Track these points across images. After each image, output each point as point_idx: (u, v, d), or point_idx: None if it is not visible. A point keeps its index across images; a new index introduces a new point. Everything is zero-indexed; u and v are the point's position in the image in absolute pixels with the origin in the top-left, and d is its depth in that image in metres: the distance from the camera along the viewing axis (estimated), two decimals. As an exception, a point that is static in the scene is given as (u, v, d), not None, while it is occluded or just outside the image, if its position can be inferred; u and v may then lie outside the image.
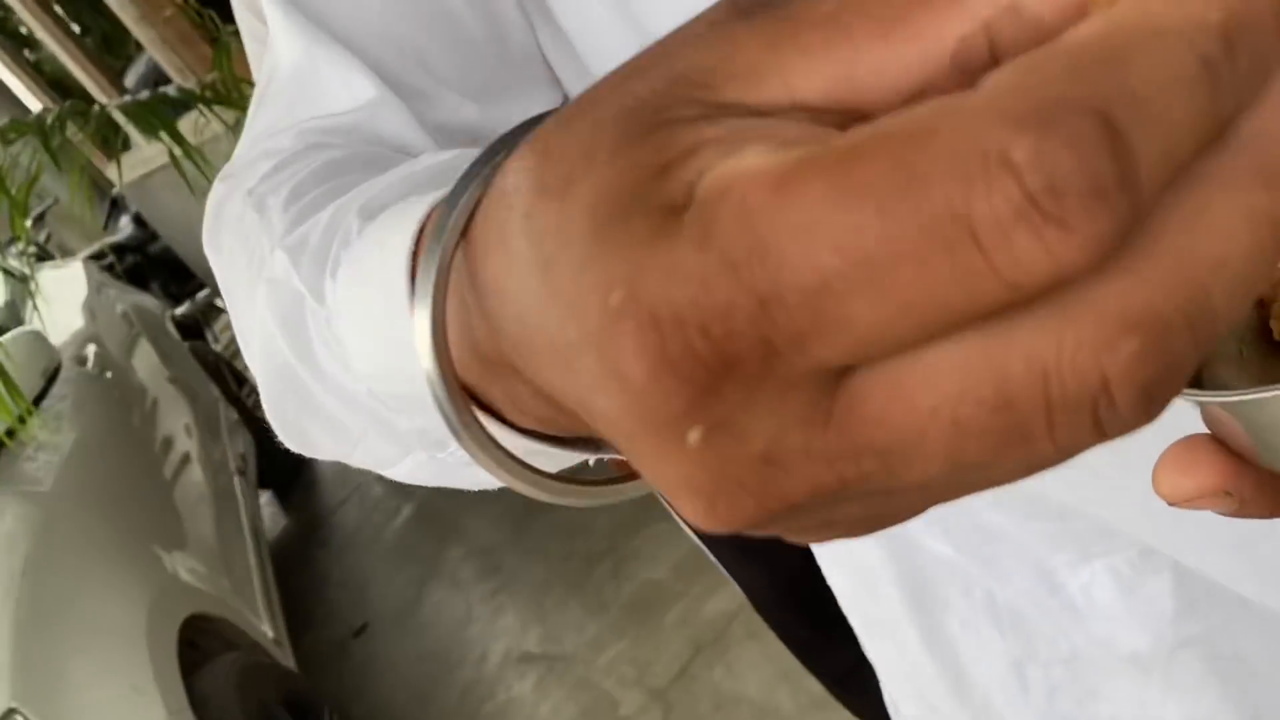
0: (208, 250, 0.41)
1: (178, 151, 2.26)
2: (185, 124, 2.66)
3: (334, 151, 0.39)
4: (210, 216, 0.41)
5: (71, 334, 2.68)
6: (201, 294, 5.32)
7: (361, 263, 0.30)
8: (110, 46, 3.12)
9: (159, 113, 2.17)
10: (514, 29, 0.45)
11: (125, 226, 5.20)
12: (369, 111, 0.41)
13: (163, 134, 2.32)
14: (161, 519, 2.24)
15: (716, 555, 1.23)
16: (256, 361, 0.36)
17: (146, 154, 2.52)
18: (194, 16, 2.29)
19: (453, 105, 0.43)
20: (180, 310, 4.17)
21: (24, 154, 2.25)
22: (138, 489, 2.31)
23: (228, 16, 2.28)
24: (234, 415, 3.40)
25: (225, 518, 2.52)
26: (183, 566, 2.03)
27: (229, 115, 2.34)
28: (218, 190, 0.41)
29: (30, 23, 2.89)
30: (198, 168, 2.23)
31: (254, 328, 0.36)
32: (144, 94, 2.42)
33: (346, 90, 0.41)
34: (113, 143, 2.53)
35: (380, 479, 3.51)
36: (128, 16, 2.44)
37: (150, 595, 1.83)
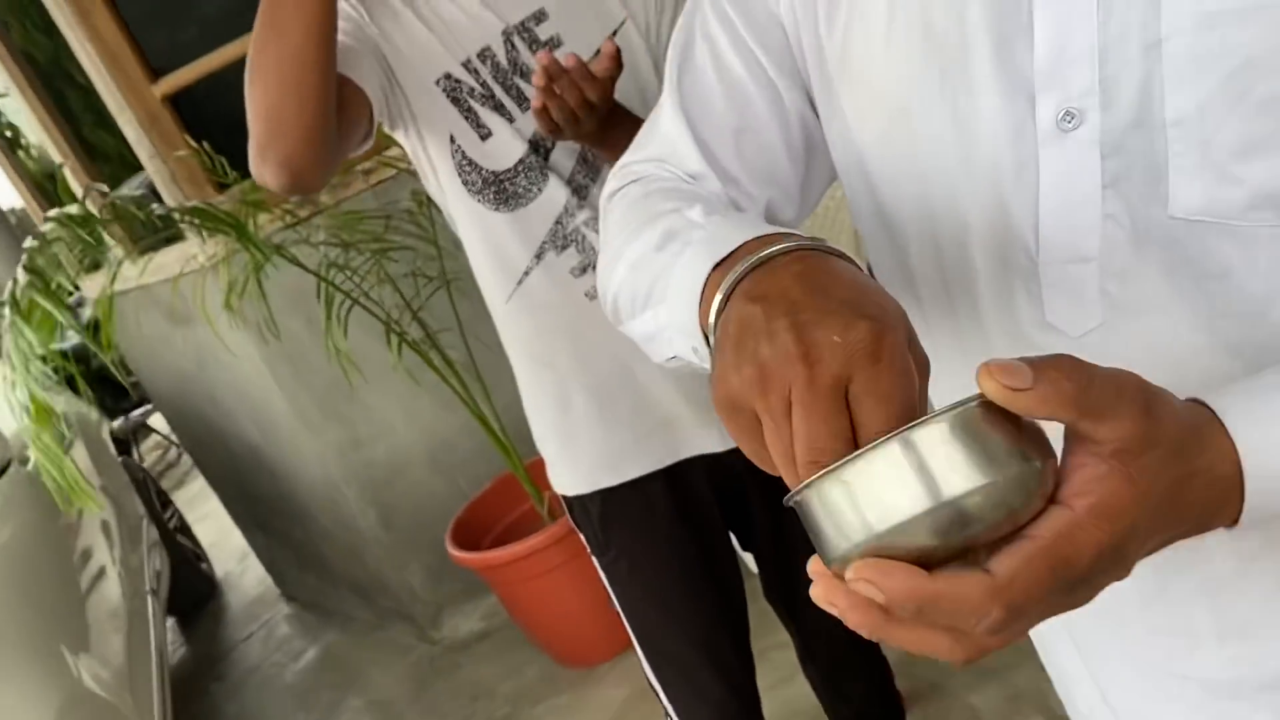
0: (602, 204, 0.77)
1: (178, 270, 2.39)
2: (171, 253, 2.81)
3: (668, 180, 0.72)
4: (606, 194, 0.76)
5: (14, 431, 2.73)
6: (136, 412, 5.35)
7: (696, 261, 0.58)
8: (107, 160, 3.29)
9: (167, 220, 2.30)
10: (798, 133, 0.72)
11: (72, 335, 5.27)
12: (699, 178, 0.72)
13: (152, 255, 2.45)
14: (74, 626, 2.26)
15: None
16: (622, 261, 0.67)
17: (126, 271, 2.65)
18: (206, 160, 2.48)
19: (744, 188, 0.72)
20: (117, 424, 4.20)
21: None
22: (55, 593, 2.33)
23: (236, 164, 2.47)
24: (154, 534, 3.42)
25: (135, 634, 2.53)
26: (91, 676, 2.06)
27: (221, 248, 2.49)
28: (612, 180, 0.77)
29: (32, 121, 3.05)
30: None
31: (629, 245, 0.67)
32: (139, 194, 2.54)
33: (686, 160, 0.72)
34: (96, 253, 2.64)
35: (289, 619, 3.51)
36: (141, 149, 2.62)
37: (59, 700, 1.85)
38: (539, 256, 1.29)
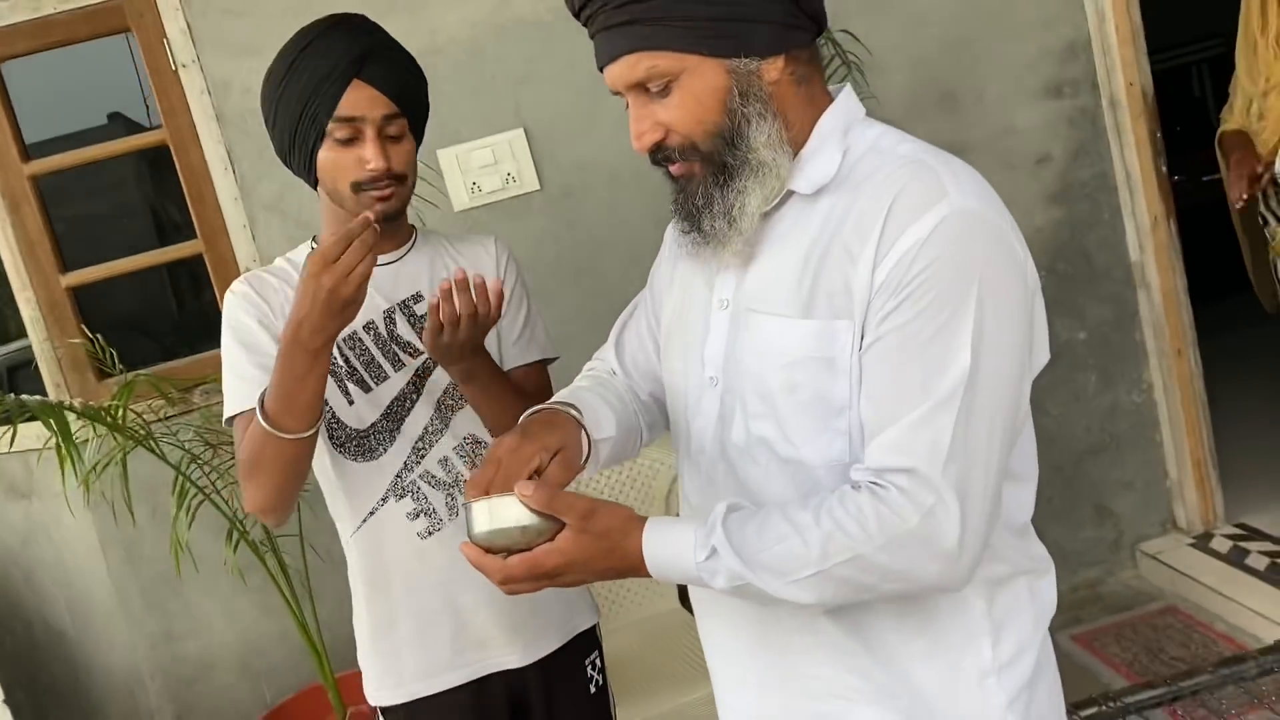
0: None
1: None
2: (31, 429, 2.94)
3: (601, 371, 1.39)
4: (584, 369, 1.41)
5: None
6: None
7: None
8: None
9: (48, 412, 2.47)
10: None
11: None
12: (617, 373, 1.38)
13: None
14: None
15: None
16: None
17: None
18: (96, 350, 2.70)
19: (636, 381, 1.37)
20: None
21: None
22: None
23: (122, 358, 2.70)
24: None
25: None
26: None
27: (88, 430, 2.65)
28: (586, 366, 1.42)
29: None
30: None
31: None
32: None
33: (611, 363, 1.38)
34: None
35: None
36: (35, 331, 2.82)
37: None
38: (383, 501, 1.52)
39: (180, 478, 2.58)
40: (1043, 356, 1.08)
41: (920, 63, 2.99)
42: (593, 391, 1.30)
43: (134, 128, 3.52)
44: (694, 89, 1.05)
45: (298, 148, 1.44)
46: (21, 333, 3.45)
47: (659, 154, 1.10)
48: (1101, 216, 3.12)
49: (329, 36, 1.42)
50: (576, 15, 1.10)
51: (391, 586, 1.54)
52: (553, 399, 1.26)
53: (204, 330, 3.26)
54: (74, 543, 3.03)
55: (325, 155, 1.43)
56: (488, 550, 1.04)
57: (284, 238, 2.87)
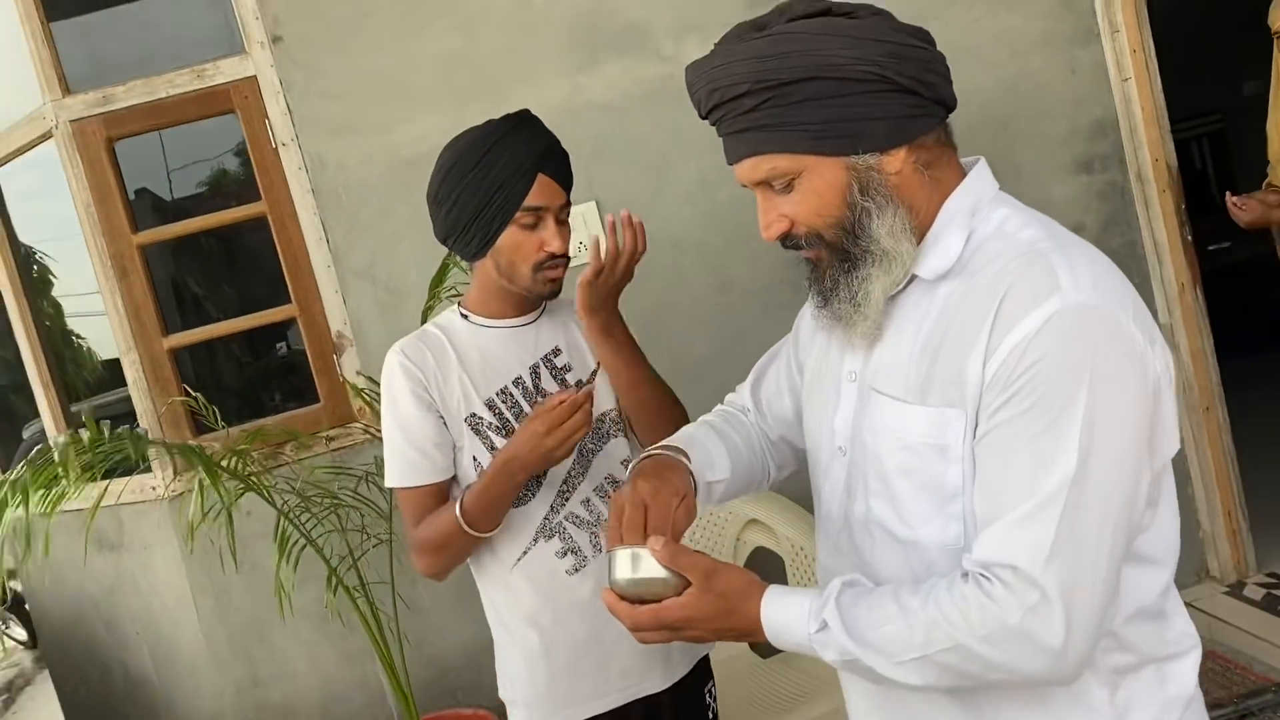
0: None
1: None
2: (124, 483, 3.11)
3: (733, 408, 1.50)
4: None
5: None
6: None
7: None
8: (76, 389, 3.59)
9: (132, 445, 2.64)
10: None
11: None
12: (750, 411, 1.47)
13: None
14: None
15: None
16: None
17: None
18: (198, 405, 2.88)
19: (769, 423, 1.47)
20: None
21: None
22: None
23: (224, 414, 2.87)
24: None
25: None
26: None
27: (181, 484, 2.82)
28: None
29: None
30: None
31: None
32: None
33: (745, 400, 1.48)
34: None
35: None
36: (138, 390, 3.00)
37: None
38: (534, 541, 1.68)
39: (281, 524, 2.75)
40: (1171, 445, 1.06)
41: (963, 139, 3.19)
42: (713, 431, 1.39)
43: (159, 203, 3.79)
44: (814, 186, 1.09)
45: (479, 227, 1.62)
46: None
47: (788, 241, 1.15)
48: (1132, 282, 3.32)
49: (519, 133, 1.62)
50: (704, 118, 1.16)
51: (543, 621, 1.69)
52: (665, 442, 1.36)
53: (285, 389, 3.44)
54: (163, 591, 3.18)
55: (509, 238, 1.63)
56: (622, 597, 1.11)
57: (374, 302, 3.08)
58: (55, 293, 3.65)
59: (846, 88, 1.06)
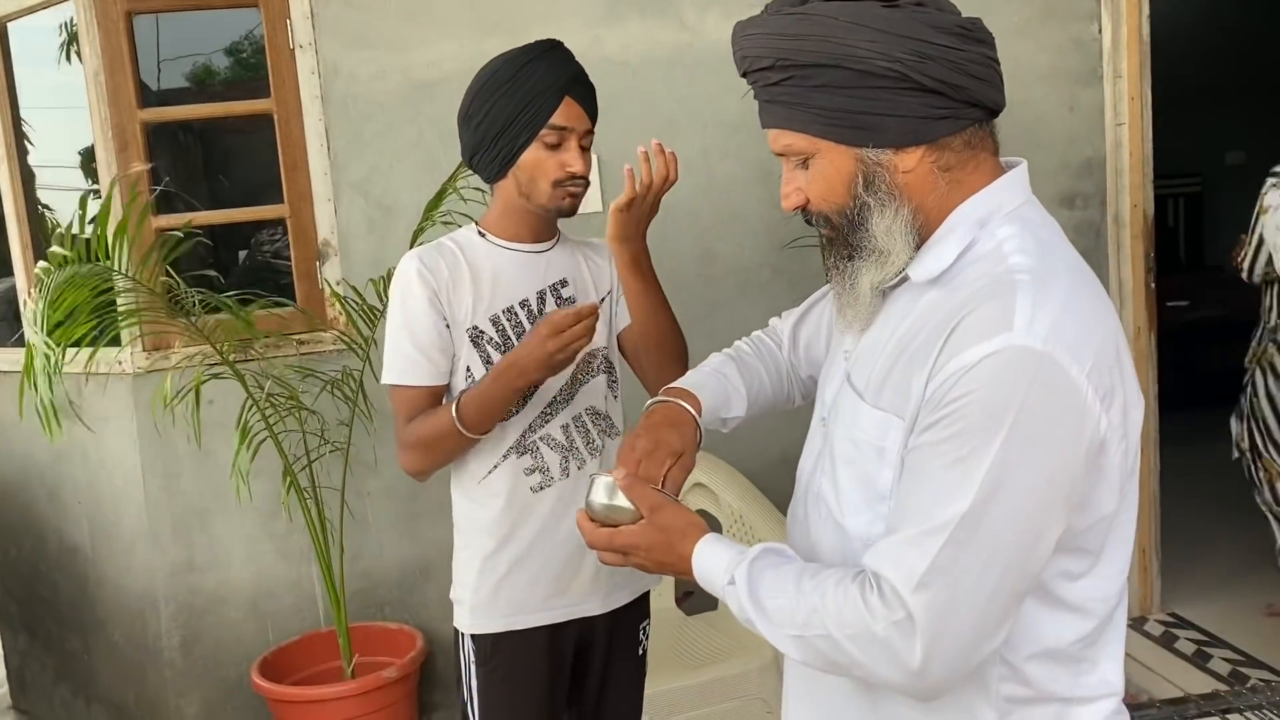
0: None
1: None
2: (108, 353, 3.12)
3: (768, 339, 1.53)
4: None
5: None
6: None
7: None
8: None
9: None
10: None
11: None
12: (784, 346, 1.50)
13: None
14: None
15: None
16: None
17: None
18: (180, 290, 2.91)
19: (799, 359, 1.50)
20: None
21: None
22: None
23: (209, 305, 2.91)
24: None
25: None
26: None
27: (161, 360, 2.84)
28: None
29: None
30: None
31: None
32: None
33: (783, 334, 1.50)
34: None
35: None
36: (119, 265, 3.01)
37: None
38: (505, 456, 1.76)
39: (245, 414, 2.80)
40: (1108, 502, 1.04)
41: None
42: (736, 365, 1.45)
43: (145, 92, 3.79)
44: (824, 171, 1.10)
45: (503, 143, 1.70)
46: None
47: (805, 216, 1.16)
48: (1091, 319, 3.47)
49: (549, 57, 1.70)
50: (744, 76, 1.17)
51: (501, 532, 1.78)
52: (678, 384, 1.39)
53: (261, 286, 3.46)
54: (112, 466, 3.22)
55: (532, 155, 1.70)
56: (591, 519, 1.21)
57: (364, 216, 3.13)
58: (31, 162, 3.65)
59: (865, 80, 1.05)
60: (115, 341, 2.99)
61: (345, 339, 3.01)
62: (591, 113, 1.74)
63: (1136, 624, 3.49)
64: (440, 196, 2.84)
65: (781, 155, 1.14)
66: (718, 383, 1.41)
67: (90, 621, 3.41)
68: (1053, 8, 3.36)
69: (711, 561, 1.13)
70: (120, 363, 3.08)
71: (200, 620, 3.20)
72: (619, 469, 1.21)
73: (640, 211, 1.68)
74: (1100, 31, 3.38)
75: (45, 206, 3.80)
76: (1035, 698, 1.10)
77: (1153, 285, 3.43)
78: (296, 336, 3.10)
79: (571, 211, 1.76)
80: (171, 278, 2.93)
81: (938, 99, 1.06)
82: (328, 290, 3.09)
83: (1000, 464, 0.96)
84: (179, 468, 3.11)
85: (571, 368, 1.78)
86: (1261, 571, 3.72)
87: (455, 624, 1.85)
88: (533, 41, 1.74)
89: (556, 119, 1.68)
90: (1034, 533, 0.99)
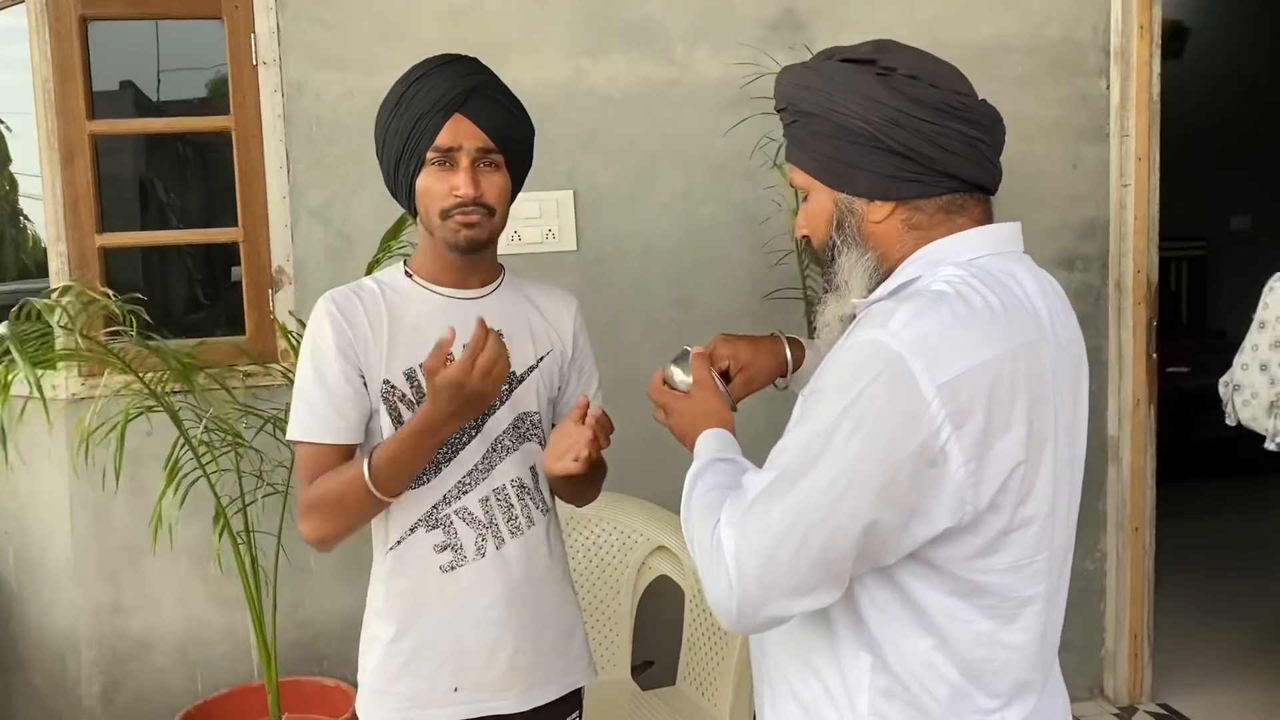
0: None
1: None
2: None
3: None
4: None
5: None
6: None
7: None
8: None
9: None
10: None
11: None
12: None
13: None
14: None
15: None
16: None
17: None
18: (116, 311, 2.72)
19: None
20: None
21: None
22: None
23: (158, 331, 2.73)
24: None
25: None
26: None
27: (89, 389, 2.65)
28: None
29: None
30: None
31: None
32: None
33: None
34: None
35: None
36: (58, 282, 2.84)
37: None
38: (411, 530, 1.56)
39: (176, 452, 2.61)
40: (939, 521, 1.07)
41: (952, 210, 3.16)
42: None
43: (142, 100, 3.59)
44: (814, 206, 1.25)
45: (401, 174, 1.52)
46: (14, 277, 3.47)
47: (805, 246, 1.33)
48: (1089, 389, 3.28)
49: (439, 73, 1.51)
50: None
51: (406, 612, 1.58)
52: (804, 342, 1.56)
53: (215, 317, 3.29)
54: (41, 497, 3.02)
55: (422, 182, 1.51)
56: (665, 382, 1.41)
57: (322, 244, 2.95)
58: (14, 170, 3.48)
59: (845, 134, 1.17)
60: (50, 364, 2.80)
61: (290, 375, 2.82)
62: (493, 129, 1.51)
63: (1124, 714, 3.28)
64: (399, 227, 2.66)
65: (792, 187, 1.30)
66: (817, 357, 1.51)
67: (11, 661, 3.19)
68: (1059, 60, 3.20)
69: (704, 448, 1.28)
70: (55, 387, 2.89)
71: (124, 667, 2.99)
72: (697, 354, 1.40)
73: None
74: (1108, 88, 3.22)
75: (25, 217, 3.63)
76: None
77: (1154, 355, 3.25)
78: (244, 369, 2.91)
79: (472, 247, 1.53)
80: (108, 299, 2.75)
81: (907, 163, 1.16)
82: (277, 321, 2.91)
83: (828, 433, 1.06)
84: (110, 503, 2.91)
85: (496, 433, 1.59)
86: (1261, 660, 3.52)
87: (355, 707, 1.65)
88: (430, 56, 1.56)
89: (442, 139, 1.48)
90: (844, 513, 1.05)
